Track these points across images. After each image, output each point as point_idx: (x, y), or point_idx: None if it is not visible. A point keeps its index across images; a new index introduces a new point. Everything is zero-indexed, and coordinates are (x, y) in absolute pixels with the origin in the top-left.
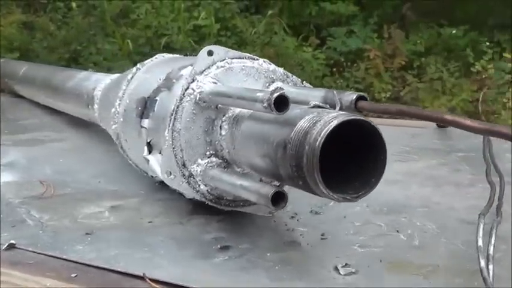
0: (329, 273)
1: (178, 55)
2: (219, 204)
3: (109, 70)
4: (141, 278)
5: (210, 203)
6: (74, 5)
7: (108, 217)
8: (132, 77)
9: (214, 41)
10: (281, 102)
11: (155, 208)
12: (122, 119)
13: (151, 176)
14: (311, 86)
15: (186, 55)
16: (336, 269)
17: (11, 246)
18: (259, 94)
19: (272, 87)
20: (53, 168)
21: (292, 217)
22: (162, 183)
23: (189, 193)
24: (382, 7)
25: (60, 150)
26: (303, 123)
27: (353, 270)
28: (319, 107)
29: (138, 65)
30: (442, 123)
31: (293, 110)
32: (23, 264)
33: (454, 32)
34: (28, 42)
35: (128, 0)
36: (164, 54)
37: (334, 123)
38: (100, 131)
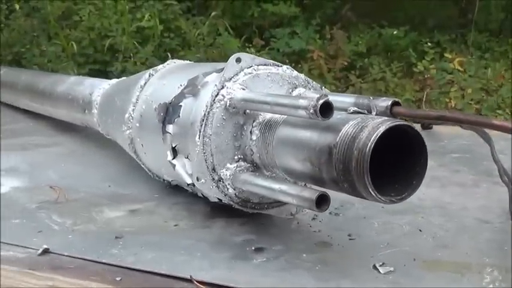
0: (370, 273)
1: (189, 61)
2: (245, 207)
3: (53, 72)
4: (188, 280)
5: (236, 206)
6: (17, 6)
7: (132, 221)
8: (146, 82)
9: (157, 42)
10: (326, 109)
11: (175, 212)
12: (137, 124)
13: (164, 180)
14: (329, 91)
15: (130, 57)
16: (375, 268)
17: (46, 251)
18: (302, 101)
19: (295, 93)
20: (57, 173)
21: (314, 219)
22: (174, 187)
23: (217, 196)
24: (323, 8)
25: (58, 155)
26: (348, 129)
27: (391, 269)
28: (358, 112)
29: (151, 71)
30: (489, 128)
31: (333, 116)
32: (64, 269)
33: (395, 32)
34: None
35: (70, 2)
36: (175, 60)
37: (382, 128)
38: (92, 135)
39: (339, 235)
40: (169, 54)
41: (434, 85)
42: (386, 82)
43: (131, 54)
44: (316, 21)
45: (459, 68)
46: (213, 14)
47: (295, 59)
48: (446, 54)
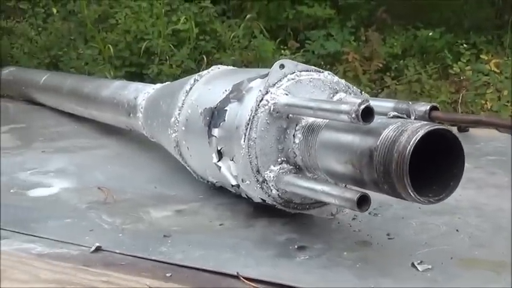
0: (408, 270)
1: (232, 67)
2: (288, 207)
3: (89, 75)
4: (235, 276)
5: (279, 206)
6: (54, 10)
7: (178, 221)
8: (191, 88)
9: (193, 45)
10: (367, 114)
11: (220, 212)
12: (183, 128)
13: (208, 182)
14: (369, 96)
15: (166, 59)
16: (413, 265)
17: (98, 249)
18: (344, 106)
19: (336, 97)
20: (103, 174)
21: (354, 219)
22: (218, 188)
23: (260, 197)
24: (358, 10)
25: (104, 157)
26: (388, 132)
27: (429, 266)
28: (398, 117)
29: (196, 76)
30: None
31: (374, 120)
32: (116, 266)
33: (430, 34)
34: (8, 48)
35: (106, 5)
36: (219, 66)
37: (421, 132)
38: (136, 137)
39: (378, 234)
40: (204, 57)
41: (470, 87)
42: (421, 84)
43: (167, 57)
44: (351, 23)
45: (495, 69)
46: (248, 16)
47: (330, 61)
48: (482, 56)
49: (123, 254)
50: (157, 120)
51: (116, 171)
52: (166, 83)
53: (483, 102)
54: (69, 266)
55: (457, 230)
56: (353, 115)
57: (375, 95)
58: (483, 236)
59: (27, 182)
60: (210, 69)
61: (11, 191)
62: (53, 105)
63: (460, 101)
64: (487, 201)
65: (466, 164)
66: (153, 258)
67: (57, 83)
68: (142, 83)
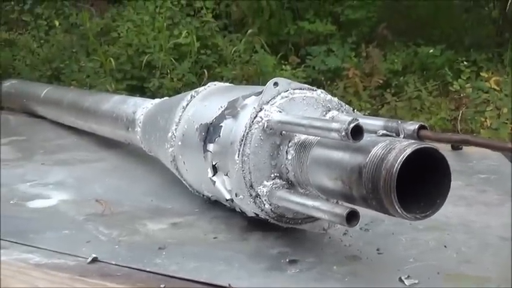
0: (396, 285)
1: (228, 84)
2: (280, 221)
3: (91, 87)
4: None
5: (272, 221)
6: (56, 23)
7: (173, 233)
8: (188, 104)
9: (194, 59)
10: (357, 132)
11: (214, 225)
12: (180, 143)
13: (203, 196)
14: (361, 114)
15: (167, 73)
16: (401, 280)
17: (95, 260)
18: (335, 124)
19: (329, 115)
20: (102, 187)
21: (345, 234)
22: (213, 202)
23: (254, 211)
24: (359, 26)
25: (103, 170)
26: (377, 150)
27: (416, 281)
28: (386, 135)
29: (193, 93)
30: (510, 153)
31: (364, 138)
32: (112, 276)
33: (431, 51)
34: (10, 60)
35: (109, 18)
36: (216, 83)
37: (408, 151)
38: (134, 151)
39: (368, 249)
40: (205, 71)
41: (470, 104)
42: (421, 101)
43: (168, 71)
44: (352, 39)
45: (495, 87)
46: (249, 31)
47: (331, 77)
48: (482, 73)
49: (119, 265)
50: (155, 134)
51: (114, 184)
52: (164, 98)
53: (483, 119)
54: (66, 276)
55: (445, 246)
56: (343, 133)
57: (375, 111)
58: (470, 252)
59: (27, 193)
60: (206, 85)
61: (11, 202)
62: (53, 118)
63: (459, 118)
64: (476, 218)
65: (457, 182)
66: (148, 269)
67: (58, 96)
68: (141, 98)
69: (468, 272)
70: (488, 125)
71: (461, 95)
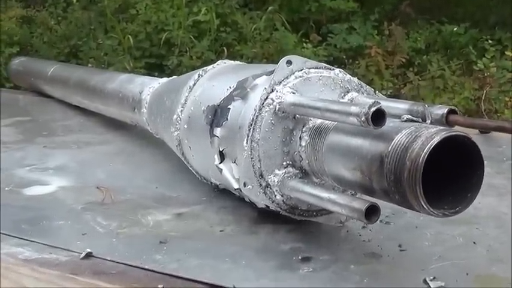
0: (420, 287)
1: (239, 62)
2: (293, 213)
3: (109, 65)
4: None
5: (284, 213)
6: (74, 0)
7: (177, 225)
8: (195, 83)
9: (214, 37)
10: (378, 117)
11: (222, 216)
12: (186, 126)
13: (211, 183)
14: (384, 96)
15: (186, 51)
16: (425, 282)
17: (89, 255)
18: (354, 108)
19: (348, 97)
20: (105, 172)
21: (364, 227)
22: (221, 190)
23: (264, 202)
24: (381, 4)
25: (107, 154)
26: (401, 138)
27: (442, 284)
28: (412, 120)
29: (200, 71)
30: None
31: (386, 124)
32: (106, 274)
33: (455, 29)
34: (28, 37)
35: None
36: (225, 61)
37: (437, 139)
38: (141, 133)
39: (389, 245)
40: (225, 49)
41: (494, 83)
42: (445, 80)
43: (187, 49)
44: (375, 17)
45: None
46: (269, 8)
47: (353, 55)
48: (507, 52)
49: (115, 262)
50: (161, 116)
51: (118, 169)
52: (173, 77)
53: (507, 99)
54: (56, 274)
55: (474, 242)
56: (363, 118)
57: (397, 90)
58: (502, 249)
59: (25, 179)
60: (215, 64)
61: (6, 188)
62: (60, 97)
63: (483, 97)
64: (508, 210)
65: (487, 169)
66: (146, 267)
67: (64, 75)
68: (149, 77)
69: (500, 272)
70: None
71: (485, 74)
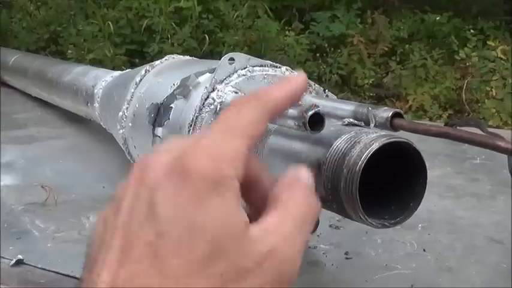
0: None
1: (189, 57)
2: None
3: (89, 52)
4: None
5: None
6: None
7: None
8: (141, 79)
9: (195, 24)
10: (316, 121)
11: None
12: (130, 124)
13: None
14: (334, 96)
15: (168, 38)
16: None
17: (19, 262)
18: (292, 111)
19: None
20: (53, 170)
21: (312, 232)
22: None
23: None
24: None
25: (59, 150)
26: (339, 144)
27: None
28: (353, 124)
29: (147, 66)
30: (495, 151)
31: (326, 127)
32: (33, 284)
33: (438, 18)
34: (7, 23)
35: None
36: (174, 56)
37: (375, 145)
38: (98, 128)
39: (335, 253)
40: (206, 36)
41: (476, 73)
42: (426, 69)
43: (168, 35)
44: (358, 5)
45: (502, 56)
46: None
47: (335, 44)
48: (489, 42)
49: (45, 270)
50: (110, 112)
51: (68, 166)
52: (125, 71)
53: (488, 89)
54: None
55: (424, 250)
56: (299, 122)
57: (379, 79)
58: (452, 257)
59: None
60: (164, 58)
61: None
62: (21, 88)
63: (464, 87)
64: (464, 214)
65: (447, 169)
66: (78, 276)
67: (24, 65)
68: (104, 70)
69: (447, 284)
70: (494, 94)
71: (467, 63)
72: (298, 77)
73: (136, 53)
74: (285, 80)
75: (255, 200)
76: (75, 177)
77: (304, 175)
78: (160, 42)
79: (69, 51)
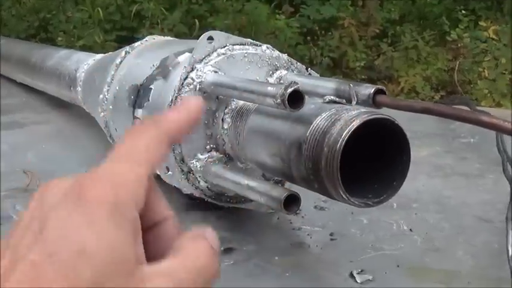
0: (345, 281)
1: (169, 37)
2: (219, 200)
3: (79, 38)
4: None
5: (209, 200)
6: None
7: None
8: (122, 61)
9: (185, 9)
10: (296, 99)
11: None
12: (111, 107)
13: None
14: (317, 74)
15: (158, 23)
16: (352, 276)
17: None
18: (270, 88)
19: (276, 75)
20: (37, 155)
21: (297, 213)
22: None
23: (186, 190)
24: None
25: (43, 135)
26: (319, 122)
27: (370, 277)
28: (334, 102)
29: (128, 48)
30: (478, 125)
31: (307, 105)
32: None
33: None
34: None
35: None
36: (154, 37)
37: (356, 123)
38: (83, 112)
39: (320, 234)
40: (197, 21)
41: (468, 54)
42: (418, 51)
43: (158, 21)
44: None
45: (494, 36)
46: None
47: (326, 27)
48: (481, 23)
49: None
50: (91, 96)
51: (51, 151)
52: (107, 53)
53: (480, 70)
54: None
55: (410, 230)
56: (278, 100)
57: (371, 62)
58: (439, 237)
59: None
60: (144, 39)
61: None
62: (5, 74)
63: (456, 68)
64: (452, 193)
65: (436, 148)
66: None
67: (7, 50)
68: (85, 53)
69: (434, 264)
70: (486, 75)
71: (459, 44)
72: (194, 100)
73: (126, 39)
74: (182, 103)
75: (156, 241)
76: (59, 162)
77: (211, 235)
78: (150, 27)
79: (59, 39)
